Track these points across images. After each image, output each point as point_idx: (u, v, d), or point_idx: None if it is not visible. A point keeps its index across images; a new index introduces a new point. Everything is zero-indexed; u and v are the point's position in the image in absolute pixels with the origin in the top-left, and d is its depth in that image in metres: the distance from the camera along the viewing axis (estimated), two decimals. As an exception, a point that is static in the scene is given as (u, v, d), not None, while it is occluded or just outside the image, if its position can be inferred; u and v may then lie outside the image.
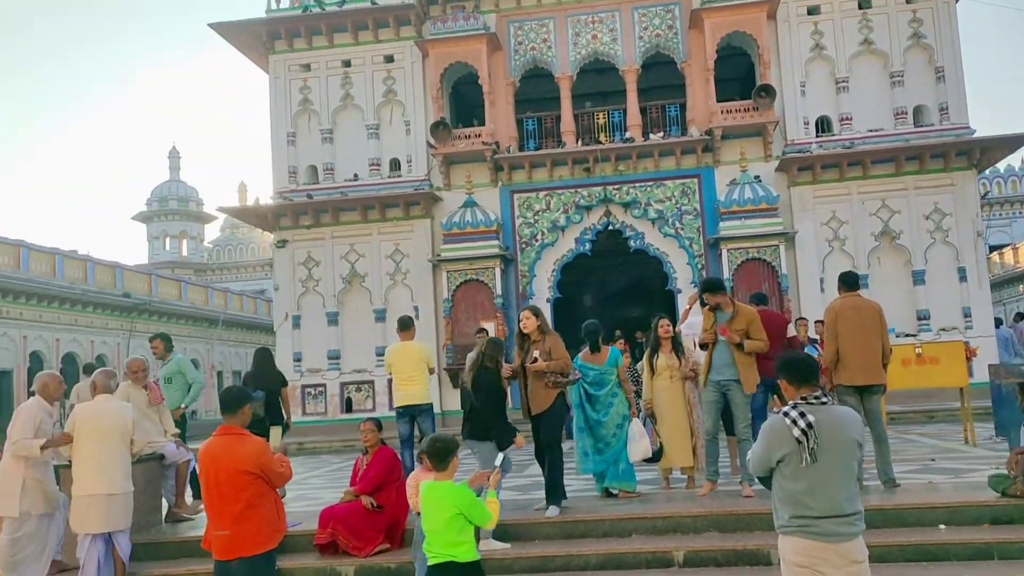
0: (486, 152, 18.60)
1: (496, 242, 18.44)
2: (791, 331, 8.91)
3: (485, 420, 6.46)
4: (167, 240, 46.93)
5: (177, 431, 7.96)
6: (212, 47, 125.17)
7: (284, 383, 8.96)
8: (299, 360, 19.30)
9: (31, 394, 6.97)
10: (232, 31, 19.78)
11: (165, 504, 7.79)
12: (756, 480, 6.78)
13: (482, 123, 19.20)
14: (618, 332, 16.20)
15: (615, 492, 7.33)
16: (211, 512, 5.00)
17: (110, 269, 29.12)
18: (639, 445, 7.14)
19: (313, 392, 19.29)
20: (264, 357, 9.07)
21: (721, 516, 6.40)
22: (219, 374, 35.66)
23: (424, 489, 4.23)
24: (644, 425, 7.48)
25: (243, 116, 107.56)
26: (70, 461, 6.27)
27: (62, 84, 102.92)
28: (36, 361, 25.08)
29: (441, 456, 4.23)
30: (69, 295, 26.11)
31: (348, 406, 19.12)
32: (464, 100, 20.78)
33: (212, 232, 49.27)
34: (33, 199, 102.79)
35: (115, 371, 6.77)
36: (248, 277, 46.01)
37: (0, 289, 23.44)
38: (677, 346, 7.77)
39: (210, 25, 19.37)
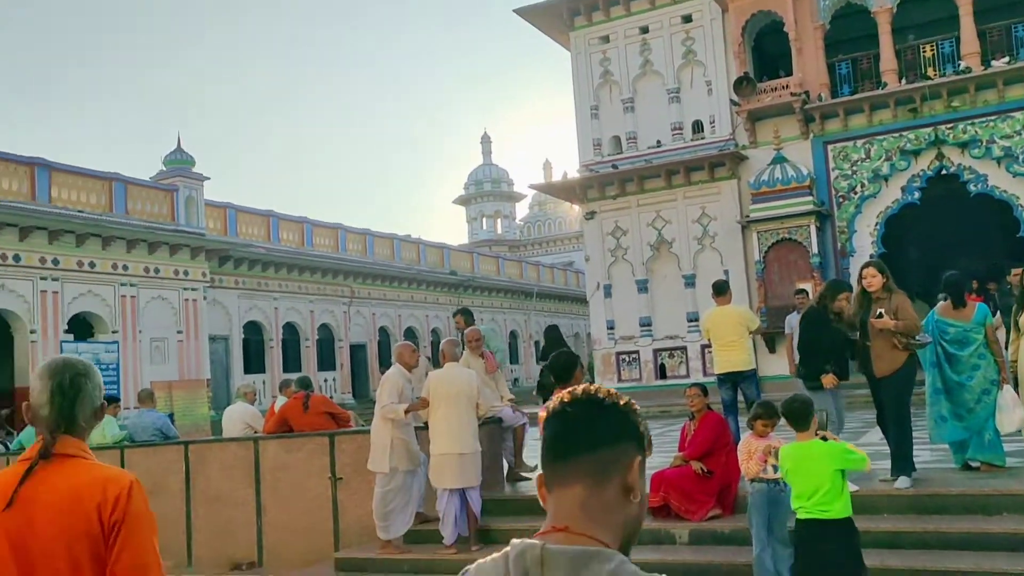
0: (795, 103, 17.52)
1: (810, 198, 17.37)
2: None
3: (805, 357, 6.21)
4: (484, 220, 50.43)
5: (512, 396, 8.54)
6: (511, 32, 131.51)
7: None
8: (612, 328, 19.78)
9: (385, 364, 7.87)
10: (535, 14, 20.60)
11: (505, 464, 8.39)
12: None
13: (789, 73, 18.10)
14: (975, 284, 14.24)
15: (975, 465, 6.56)
16: (553, 472, 5.28)
17: (438, 250, 32.10)
18: (1012, 415, 6.26)
19: (627, 359, 19.68)
20: (553, 333, 9.81)
21: (1119, 496, 5.48)
22: (536, 344, 37.70)
23: (791, 451, 4.27)
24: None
25: (543, 95, 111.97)
26: (426, 423, 6.98)
27: (385, 83, 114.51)
28: (384, 335, 28.38)
29: (799, 416, 4.27)
30: (406, 275, 29.17)
31: (662, 372, 19.26)
32: (766, 52, 19.72)
33: (522, 210, 52.10)
34: (372, 190, 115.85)
35: (458, 340, 7.41)
36: (558, 250, 47.99)
37: (353, 273, 26.81)
38: (1050, 300, 6.72)
39: (515, 11, 20.36)
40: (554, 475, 1.27)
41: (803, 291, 11.99)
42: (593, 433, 1.26)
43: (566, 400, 1.30)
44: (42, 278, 17.46)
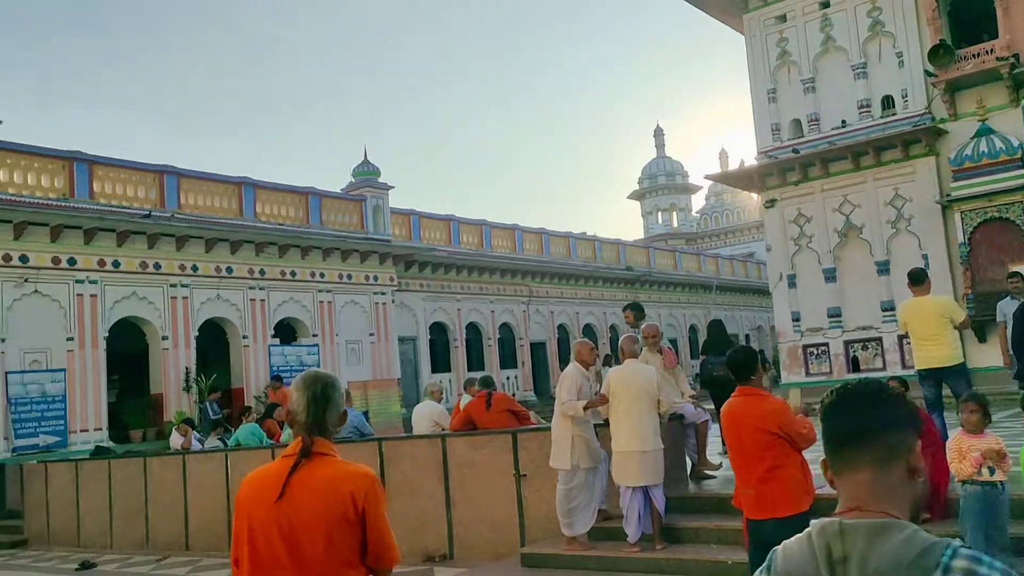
0: (1002, 69, 15.96)
1: (1022, 171, 15.77)
2: None
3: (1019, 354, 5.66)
4: (659, 214, 49.74)
5: (693, 392, 8.35)
6: (681, 19, 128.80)
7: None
8: (797, 320, 18.90)
9: (565, 361, 7.95)
10: (706, -1, 20.08)
11: (688, 462, 8.22)
12: None
13: (993, 36, 16.54)
14: None
15: None
16: (738, 471, 5.11)
17: (614, 246, 31.98)
18: None
19: (815, 352, 18.73)
20: (717, 327, 9.70)
21: None
22: (718, 338, 36.67)
23: None
24: None
25: (716, 83, 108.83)
26: (606, 420, 6.97)
27: (555, 78, 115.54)
28: (563, 333, 28.63)
29: None
30: (582, 272, 29.27)
31: (855, 365, 18.17)
32: (964, 16, 18.08)
33: (698, 202, 50.93)
34: (546, 189, 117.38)
35: (637, 337, 7.35)
36: (736, 241, 46.52)
37: (531, 272, 27.24)
38: None
39: (683, -1, 19.96)
40: (842, 461, 1.41)
41: (1018, 274, 10.90)
42: (876, 422, 1.39)
43: (843, 393, 1.45)
44: (251, 287, 19.05)
